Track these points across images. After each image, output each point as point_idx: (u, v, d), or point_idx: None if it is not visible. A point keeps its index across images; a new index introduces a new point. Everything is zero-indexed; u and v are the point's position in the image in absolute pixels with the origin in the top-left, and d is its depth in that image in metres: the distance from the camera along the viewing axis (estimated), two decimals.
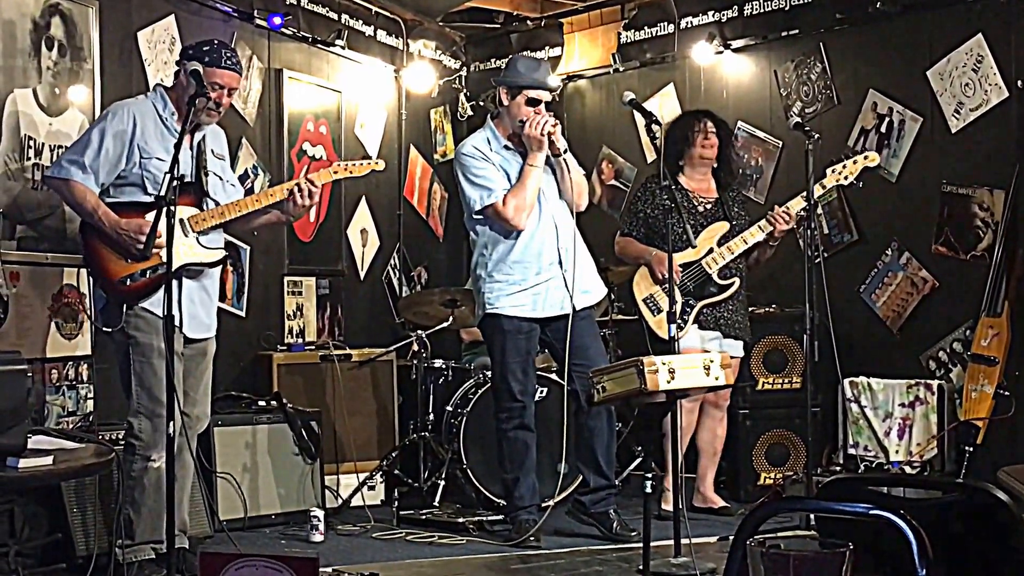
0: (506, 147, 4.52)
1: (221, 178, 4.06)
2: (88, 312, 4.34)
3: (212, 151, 4.04)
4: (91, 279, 3.94)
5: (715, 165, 5.02)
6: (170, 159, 3.74)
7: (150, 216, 3.74)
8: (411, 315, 5.67)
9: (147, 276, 3.79)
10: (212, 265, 3.97)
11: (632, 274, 5.03)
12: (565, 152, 4.48)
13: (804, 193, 4.61)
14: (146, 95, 4.03)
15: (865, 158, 4.79)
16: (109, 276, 3.81)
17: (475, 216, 4.51)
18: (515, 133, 4.49)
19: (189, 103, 3.65)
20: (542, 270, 4.48)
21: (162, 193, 3.45)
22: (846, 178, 4.75)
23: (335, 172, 4.14)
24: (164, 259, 3.69)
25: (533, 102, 4.44)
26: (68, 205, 3.99)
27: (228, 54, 3.89)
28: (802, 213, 4.62)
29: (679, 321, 4.77)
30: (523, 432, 4.53)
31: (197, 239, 3.90)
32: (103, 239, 3.80)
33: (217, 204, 3.97)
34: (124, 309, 3.79)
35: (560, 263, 4.48)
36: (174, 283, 3.74)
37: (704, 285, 4.87)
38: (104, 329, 3.86)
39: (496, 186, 4.45)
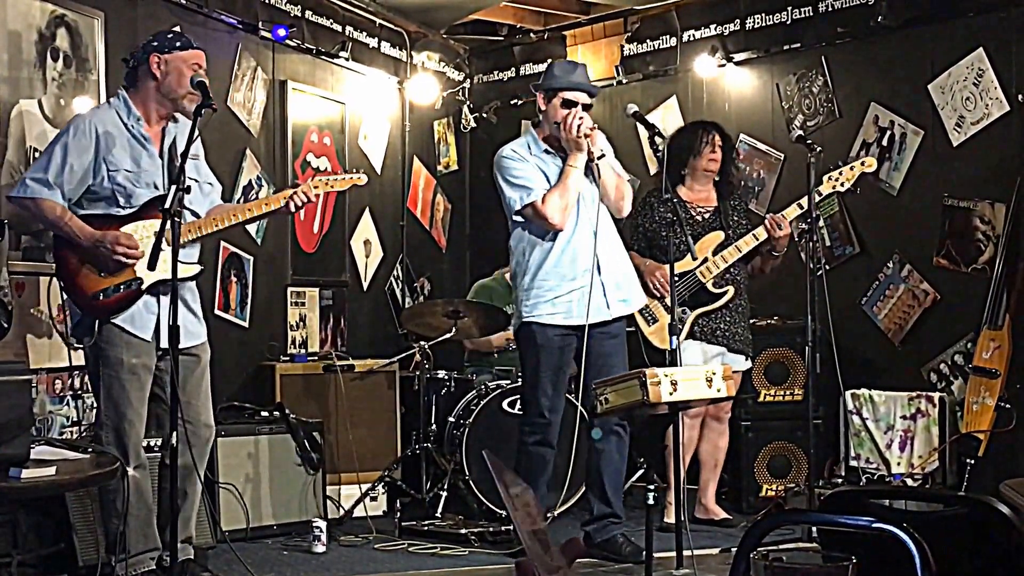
0: (546, 151, 4.45)
1: (197, 180, 3.90)
2: (58, 327, 4.27)
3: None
4: (63, 293, 3.85)
5: (717, 178, 5.04)
6: (138, 169, 3.76)
7: (125, 228, 3.71)
8: (414, 326, 5.68)
9: (120, 291, 3.71)
10: (188, 280, 3.84)
11: None
12: (603, 156, 4.37)
13: (800, 201, 4.63)
14: (108, 102, 3.93)
15: (862, 164, 4.78)
16: (82, 291, 3.73)
17: (515, 218, 4.42)
18: (553, 136, 4.41)
19: (195, 115, 3.64)
20: (577, 276, 4.36)
21: (166, 206, 3.43)
22: (843, 185, 4.74)
23: (315, 187, 3.97)
24: (137, 274, 3.71)
25: (569, 104, 4.36)
26: (39, 223, 3.90)
27: (185, 36, 3.87)
28: (803, 225, 4.63)
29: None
30: (544, 448, 4.42)
31: None
32: (77, 252, 3.72)
33: (195, 214, 3.86)
34: (96, 324, 3.72)
35: (598, 269, 4.37)
36: (151, 299, 3.74)
37: (698, 295, 4.86)
38: (76, 345, 3.81)
39: (536, 185, 4.36)
